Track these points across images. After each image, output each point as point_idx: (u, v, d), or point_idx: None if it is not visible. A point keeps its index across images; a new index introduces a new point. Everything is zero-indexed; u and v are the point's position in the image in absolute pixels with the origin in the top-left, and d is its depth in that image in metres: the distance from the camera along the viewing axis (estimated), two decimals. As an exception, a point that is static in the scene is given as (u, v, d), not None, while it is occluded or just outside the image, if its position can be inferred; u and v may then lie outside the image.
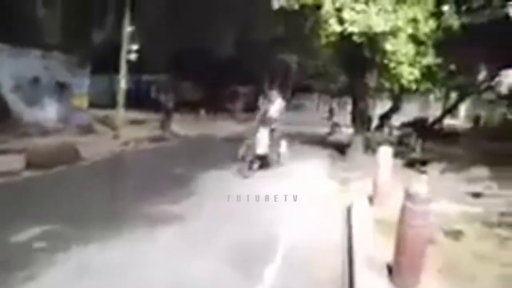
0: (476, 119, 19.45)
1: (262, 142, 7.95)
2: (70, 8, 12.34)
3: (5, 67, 10.68)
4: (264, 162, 8.37)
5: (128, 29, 14.18)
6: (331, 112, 21.42)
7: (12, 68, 10.88)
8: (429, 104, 28.87)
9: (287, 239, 4.66)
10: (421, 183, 3.34)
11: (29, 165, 7.32)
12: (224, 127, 17.27)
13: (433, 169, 9.29)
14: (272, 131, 8.21)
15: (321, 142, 15.05)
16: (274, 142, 8.42)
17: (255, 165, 8.05)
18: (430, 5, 8.08)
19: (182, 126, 15.03)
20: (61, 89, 12.35)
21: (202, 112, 22.98)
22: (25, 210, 5.16)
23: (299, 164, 9.70)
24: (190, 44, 18.43)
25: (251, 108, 26.86)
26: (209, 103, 23.92)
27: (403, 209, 3.16)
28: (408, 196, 3.11)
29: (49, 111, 11.95)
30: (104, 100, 16.29)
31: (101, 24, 14.84)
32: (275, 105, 8.33)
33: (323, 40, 8.61)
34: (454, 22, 8.16)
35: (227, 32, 19.14)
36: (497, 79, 5.46)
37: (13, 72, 10.93)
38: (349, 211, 5.53)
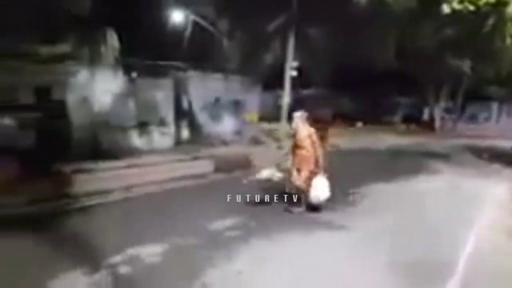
0: None
1: None
2: (247, 38, 14.42)
3: (196, 90, 13.17)
4: None
5: (291, 49, 15.46)
6: None
7: (201, 91, 13.35)
8: None
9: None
10: None
11: (216, 169, 8.95)
12: (384, 139, 16.64)
13: None
14: None
15: (508, 156, 12.80)
16: None
17: None
18: None
19: (340, 139, 15.26)
20: (237, 106, 14.41)
21: (359, 124, 22.64)
22: (215, 206, 6.32)
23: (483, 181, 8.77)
24: (349, 57, 18.50)
25: (412, 119, 24.95)
26: (366, 115, 23.45)
27: None
28: None
29: (227, 125, 14.10)
30: (270, 115, 18.07)
31: (270, 47, 16.56)
32: None
33: (509, 40, 7.48)
34: None
35: (387, 41, 18.30)
36: None
37: (202, 93, 13.40)
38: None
